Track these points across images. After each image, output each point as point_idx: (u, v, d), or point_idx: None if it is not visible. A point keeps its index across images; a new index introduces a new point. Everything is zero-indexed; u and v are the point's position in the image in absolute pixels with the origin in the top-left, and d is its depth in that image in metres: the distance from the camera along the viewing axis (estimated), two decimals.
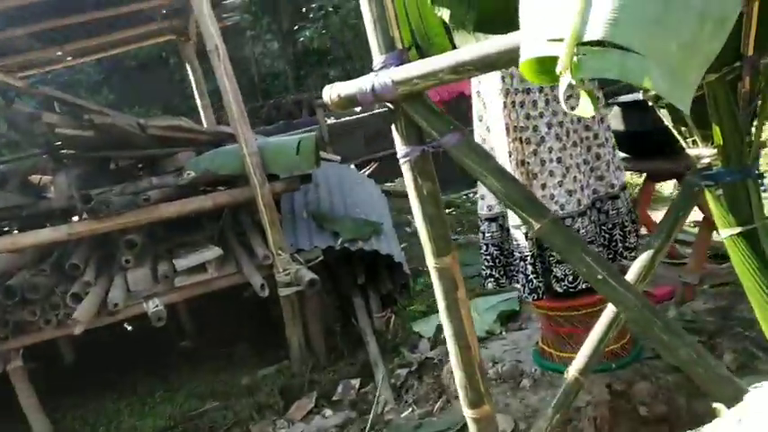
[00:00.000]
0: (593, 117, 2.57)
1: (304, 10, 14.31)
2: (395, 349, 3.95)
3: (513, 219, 2.55)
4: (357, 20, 14.92)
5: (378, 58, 1.83)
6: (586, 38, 1.34)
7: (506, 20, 1.99)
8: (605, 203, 2.62)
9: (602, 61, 1.34)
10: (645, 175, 3.51)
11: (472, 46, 1.64)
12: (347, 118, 9.99)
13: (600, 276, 1.75)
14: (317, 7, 14.23)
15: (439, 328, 3.51)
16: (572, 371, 2.20)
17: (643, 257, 2.13)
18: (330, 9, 14.23)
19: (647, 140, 3.10)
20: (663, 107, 1.84)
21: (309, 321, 4.32)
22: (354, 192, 5.58)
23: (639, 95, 3.21)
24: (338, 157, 5.80)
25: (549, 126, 2.46)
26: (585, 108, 1.55)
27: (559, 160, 2.47)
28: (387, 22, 1.81)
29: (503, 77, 2.45)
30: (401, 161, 1.91)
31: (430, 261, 1.96)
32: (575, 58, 1.35)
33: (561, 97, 1.42)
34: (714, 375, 1.68)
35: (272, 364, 4.41)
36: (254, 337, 4.87)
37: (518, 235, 2.53)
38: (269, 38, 16.07)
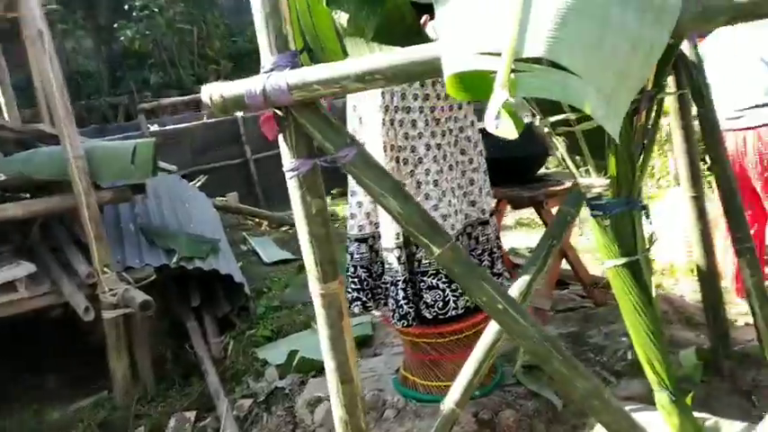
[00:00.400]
0: (470, 141, 2.54)
1: (126, 8, 13.33)
2: (234, 378, 3.66)
3: (386, 241, 2.43)
4: (183, 24, 14.21)
5: (268, 58, 1.63)
6: (526, 54, 1.25)
7: (405, 30, 1.89)
8: (476, 229, 2.59)
9: (544, 80, 1.25)
10: (496, 201, 3.58)
11: (386, 54, 1.50)
12: (173, 126, 9.40)
13: (500, 306, 1.68)
14: (140, 6, 13.33)
15: (291, 356, 3.29)
16: (448, 402, 2.12)
17: (519, 284, 2.11)
18: (155, 10, 13.41)
19: (506, 167, 3.15)
20: (559, 135, 1.81)
21: (136, 347, 3.88)
22: (187, 206, 5.18)
23: None
24: (174, 167, 5.37)
25: (428, 148, 2.39)
26: (509, 129, 1.46)
27: (436, 183, 2.39)
28: (280, 18, 1.61)
29: (383, 93, 2.33)
30: (288, 175, 1.71)
31: (314, 287, 1.77)
32: (512, 75, 1.26)
33: (491, 115, 1.32)
34: (609, 407, 1.67)
35: (90, 395, 3.90)
36: (66, 365, 4.28)
37: (391, 258, 2.41)
38: (82, 34, 14.80)
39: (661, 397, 1.83)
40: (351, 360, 1.80)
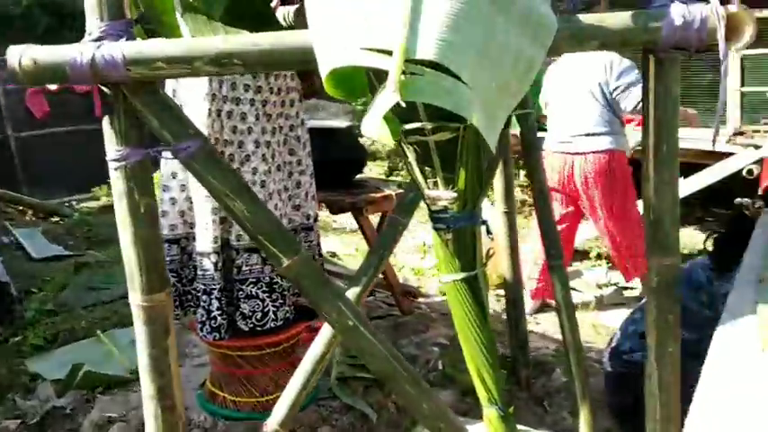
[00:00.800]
0: (299, 141, 2.39)
1: None
2: None
3: (201, 244, 2.19)
4: None
5: (96, 24, 1.35)
6: (418, 55, 1.15)
7: (255, 13, 1.70)
8: (299, 235, 2.45)
9: (435, 87, 1.16)
10: None
11: (251, 36, 1.31)
12: None
13: (351, 323, 1.56)
14: None
15: (74, 369, 2.86)
16: (272, 423, 1.95)
17: (350, 294, 2.02)
18: None
19: (327, 171, 3.04)
20: (410, 144, 1.74)
21: None
22: None
23: (321, 123, 3.16)
24: None
25: (257, 145, 2.20)
26: (385, 135, 1.36)
27: (263, 184, 2.21)
28: None
29: (210, 80, 2.11)
30: (112, 165, 1.44)
31: (135, 298, 1.51)
32: (402, 77, 1.16)
33: (376, 117, 1.21)
34: (453, 429, 1.63)
35: None
36: None
37: (207, 264, 2.18)
38: None
39: (490, 412, 1.83)
40: (175, 383, 1.58)
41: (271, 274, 2.24)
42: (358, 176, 3.52)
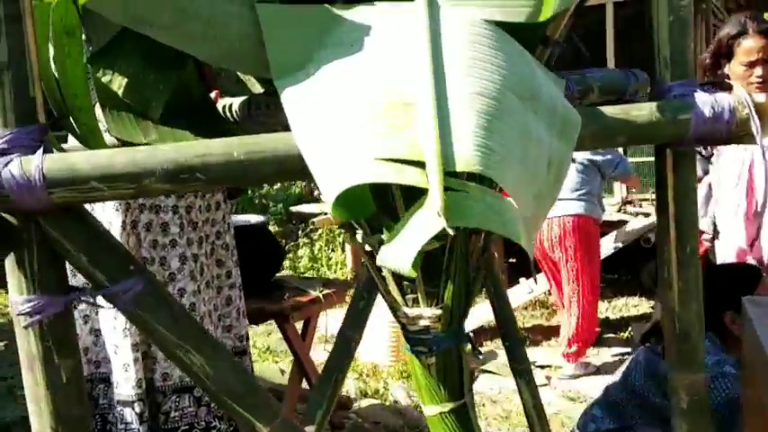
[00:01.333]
0: (227, 250, 2.05)
1: None
2: None
3: (122, 391, 1.77)
4: None
5: None
6: (459, 168, 0.90)
7: (192, 107, 1.38)
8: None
9: (484, 206, 0.91)
10: None
11: (219, 142, 1.00)
12: None
13: None
14: None
15: None
16: None
17: None
18: None
19: (243, 275, 2.67)
20: None
21: None
22: None
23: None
24: None
25: (183, 260, 1.84)
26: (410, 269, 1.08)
27: (193, 307, 1.84)
28: (25, 72, 1.02)
29: None
30: (20, 321, 1.05)
31: None
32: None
33: (412, 249, 0.94)
34: None
35: None
36: None
37: (129, 416, 1.76)
38: None
39: None
40: None
41: (207, 417, 1.85)
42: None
